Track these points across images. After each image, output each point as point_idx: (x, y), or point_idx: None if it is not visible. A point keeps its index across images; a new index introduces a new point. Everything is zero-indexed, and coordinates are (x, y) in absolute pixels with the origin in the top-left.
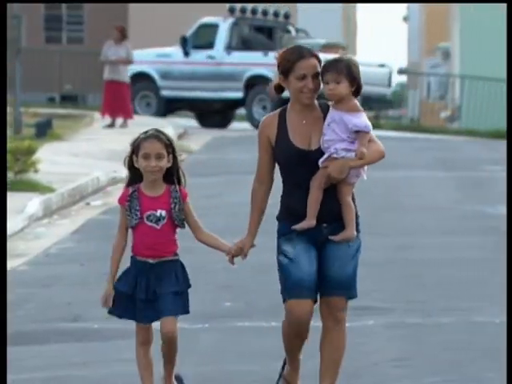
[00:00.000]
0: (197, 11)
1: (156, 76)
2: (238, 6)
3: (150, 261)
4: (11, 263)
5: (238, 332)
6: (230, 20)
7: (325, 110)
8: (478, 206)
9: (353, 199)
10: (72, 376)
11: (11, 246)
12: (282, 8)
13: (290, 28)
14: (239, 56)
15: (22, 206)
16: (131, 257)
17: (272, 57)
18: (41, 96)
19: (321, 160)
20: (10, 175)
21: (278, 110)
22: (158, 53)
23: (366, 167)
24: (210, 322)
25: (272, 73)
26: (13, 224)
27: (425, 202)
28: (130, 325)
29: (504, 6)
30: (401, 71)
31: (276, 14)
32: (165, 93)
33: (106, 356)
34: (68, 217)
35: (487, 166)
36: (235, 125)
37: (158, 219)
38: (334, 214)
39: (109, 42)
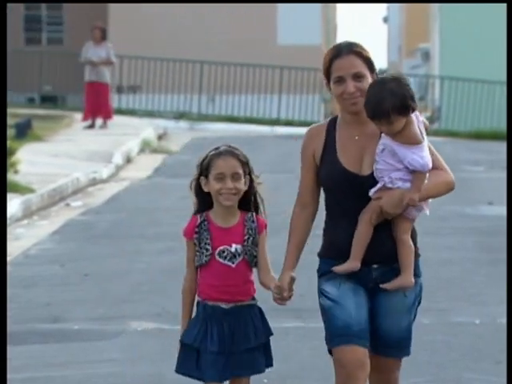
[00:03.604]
0: (177, 10)
1: None
2: None
3: (223, 306)
4: None
5: None
6: None
7: None
8: (458, 206)
9: (413, 236)
10: (52, 377)
11: None
12: None
13: None
14: None
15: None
16: (198, 302)
17: None
18: (20, 97)
19: (372, 190)
20: None
21: (328, 120)
22: None
23: (429, 200)
24: None
25: None
26: None
27: None
28: (110, 326)
29: (485, 7)
30: (381, 72)
31: None
32: None
33: (86, 357)
34: (48, 218)
35: (467, 167)
36: (215, 126)
37: (234, 256)
38: (386, 254)
39: (88, 44)
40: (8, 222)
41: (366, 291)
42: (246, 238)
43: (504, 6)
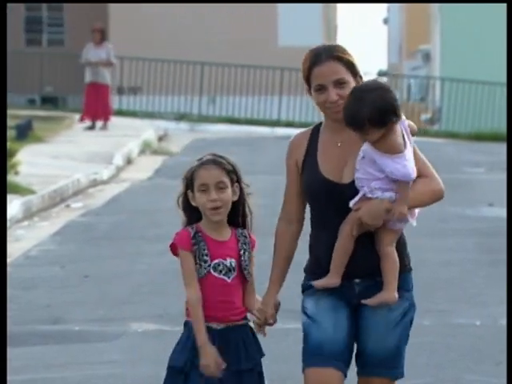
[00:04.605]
0: (177, 10)
1: None
2: None
3: (215, 326)
4: None
5: None
6: None
7: None
8: (459, 207)
9: (401, 249)
10: (52, 378)
11: None
12: None
13: None
14: None
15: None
16: (186, 322)
17: None
18: (21, 98)
19: (352, 201)
20: None
21: (312, 126)
22: None
23: (416, 210)
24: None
25: None
26: None
27: None
28: (111, 327)
29: (485, 7)
30: (381, 73)
31: None
32: None
33: (86, 358)
34: (48, 219)
35: (468, 168)
36: (215, 127)
37: (229, 270)
38: (369, 267)
39: (89, 45)
40: (8, 223)
41: (349, 308)
42: (241, 253)
43: (505, 6)
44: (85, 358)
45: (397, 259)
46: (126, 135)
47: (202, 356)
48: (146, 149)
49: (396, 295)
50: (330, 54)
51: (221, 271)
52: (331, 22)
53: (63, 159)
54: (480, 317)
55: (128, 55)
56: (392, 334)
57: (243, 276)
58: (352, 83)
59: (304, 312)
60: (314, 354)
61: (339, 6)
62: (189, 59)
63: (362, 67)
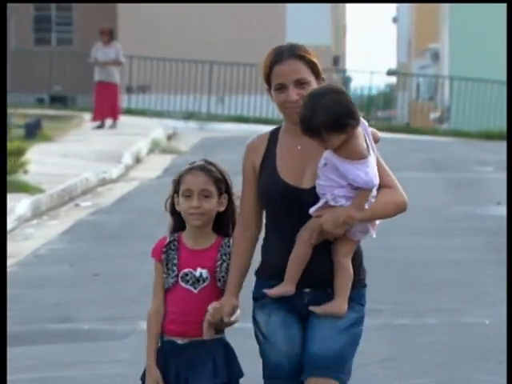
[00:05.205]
0: (184, 10)
1: None
2: None
3: (179, 341)
4: None
5: None
6: None
7: None
8: (467, 206)
9: (357, 261)
10: (60, 377)
11: None
12: None
13: None
14: None
15: (11, 207)
16: (160, 334)
17: None
18: (30, 97)
19: (312, 209)
20: None
21: (270, 129)
22: None
23: (377, 221)
24: None
25: None
26: None
27: (414, 203)
28: (120, 326)
29: (494, 7)
30: (390, 72)
31: None
32: None
33: (96, 357)
34: (57, 218)
35: (476, 167)
36: (224, 126)
37: (197, 281)
38: (320, 277)
39: (97, 44)
40: (17, 222)
41: (300, 320)
42: (218, 263)
43: None
44: (93, 357)
45: (351, 271)
46: (135, 134)
47: (146, 375)
48: (155, 148)
49: (345, 307)
50: (291, 53)
51: (188, 281)
52: (340, 22)
53: (72, 158)
54: (487, 316)
55: (137, 54)
56: (336, 338)
57: (219, 287)
58: (314, 84)
59: (257, 326)
60: (273, 377)
61: (348, 5)
62: (197, 58)
63: (371, 66)
